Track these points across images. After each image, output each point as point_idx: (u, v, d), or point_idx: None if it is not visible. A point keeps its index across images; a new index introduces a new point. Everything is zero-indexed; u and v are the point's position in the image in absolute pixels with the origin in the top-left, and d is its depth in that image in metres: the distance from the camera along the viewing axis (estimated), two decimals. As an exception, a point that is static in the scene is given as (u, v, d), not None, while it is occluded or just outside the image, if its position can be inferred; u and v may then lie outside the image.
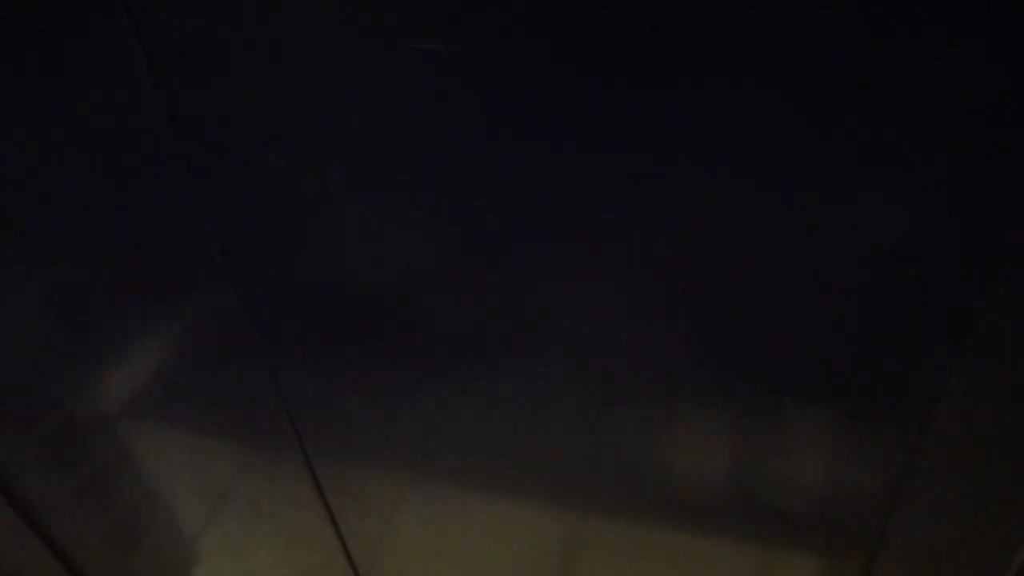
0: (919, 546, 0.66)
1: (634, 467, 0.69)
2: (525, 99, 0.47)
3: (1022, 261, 0.46)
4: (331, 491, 0.82)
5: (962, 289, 0.49)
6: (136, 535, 1.03)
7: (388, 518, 0.84)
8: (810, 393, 0.59)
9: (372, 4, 0.45)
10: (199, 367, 0.76)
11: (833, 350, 0.55)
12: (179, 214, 0.62)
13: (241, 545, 0.99)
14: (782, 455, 0.65)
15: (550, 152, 0.49)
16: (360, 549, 0.89)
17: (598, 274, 0.55)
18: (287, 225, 0.60)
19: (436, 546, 0.86)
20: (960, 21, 0.38)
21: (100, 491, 0.97)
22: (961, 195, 0.45)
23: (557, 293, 0.58)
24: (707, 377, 0.60)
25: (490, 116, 0.48)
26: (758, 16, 0.40)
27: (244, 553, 1.00)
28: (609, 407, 0.65)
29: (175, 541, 1.03)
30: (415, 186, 0.54)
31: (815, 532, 0.70)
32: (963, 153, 0.43)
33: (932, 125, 0.42)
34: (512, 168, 0.51)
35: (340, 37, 0.47)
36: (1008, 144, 0.42)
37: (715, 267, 0.52)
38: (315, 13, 0.47)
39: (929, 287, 0.49)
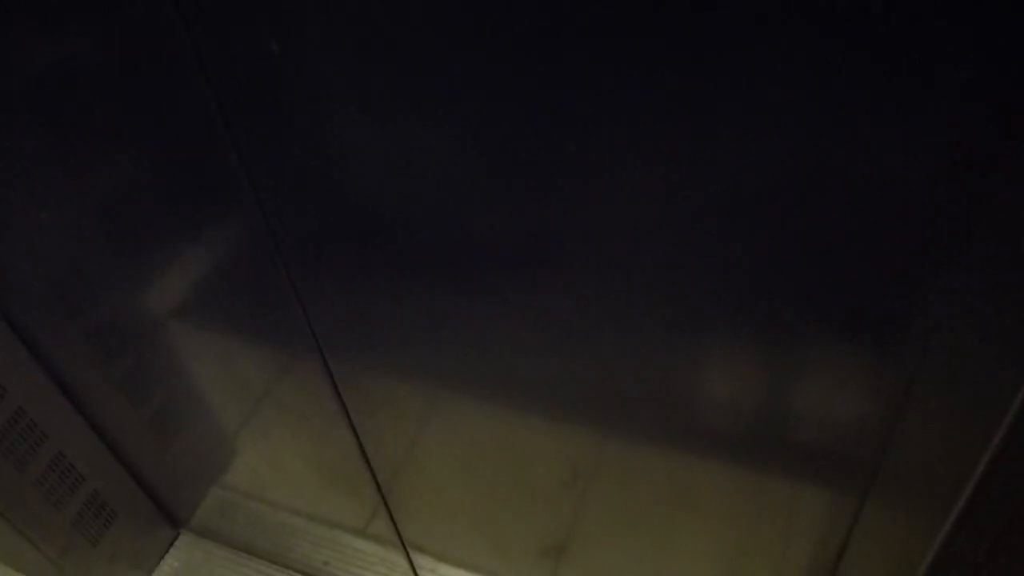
0: (915, 475, 0.67)
1: (645, 389, 0.71)
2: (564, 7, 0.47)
3: (1016, 179, 0.46)
4: (346, 389, 0.87)
5: (958, 214, 0.49)
6: (174, 426, 1.10)
7: (400, 415, 0.88)
8: (808, 318, 0.59)
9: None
10: (223, 271, 0.79)
11: (831, 274, 0.55)
12: (195, 118, 0.63)
13: (270, 442, 1.05)
14: (779, 381, 0.65)
15: (587, 61, 0.49)
16: (374, 445, 0.94)
17: (621, 191, 0.56)
18: (303, 127, 0.61)
19: (446, 443, 0.90)
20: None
21: (140, 384, 1.03)
22: (956, 114, 0.44)
23: (577, 204, 0.58)
24: (725, 299, 0.60)
25: (525, 22, 0.48)
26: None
27: (272, 450, 1.06)
28: (619, 327, 0.66)
29: (208, 436, 1.09)
30: (435, 90, 0.54)
31: (812, 459, 0.71)
32: (961, 75, 0.42)
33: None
34: (544, 77, 0.50)
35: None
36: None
37: (729, 192, 0.52)
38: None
39: (925, 211, 0.49)
